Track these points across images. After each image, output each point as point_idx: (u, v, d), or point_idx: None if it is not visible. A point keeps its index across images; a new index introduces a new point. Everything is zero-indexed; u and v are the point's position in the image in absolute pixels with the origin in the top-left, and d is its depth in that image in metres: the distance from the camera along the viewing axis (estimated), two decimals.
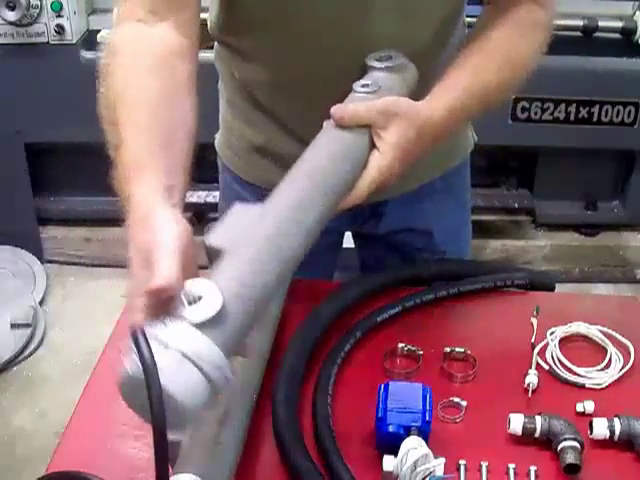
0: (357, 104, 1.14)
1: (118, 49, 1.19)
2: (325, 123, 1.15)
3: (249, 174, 1.58)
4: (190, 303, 0.80)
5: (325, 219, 1.03)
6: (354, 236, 1.74)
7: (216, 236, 0.96)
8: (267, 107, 1.46)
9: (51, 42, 3.13)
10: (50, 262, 3.61)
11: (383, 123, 1.13)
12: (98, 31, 3.21)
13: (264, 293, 0.89)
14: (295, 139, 1.26)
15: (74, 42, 3.14)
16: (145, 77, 1.13)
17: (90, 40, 3.22)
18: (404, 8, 1.28)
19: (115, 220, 3.43)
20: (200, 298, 0.81)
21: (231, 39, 1.43)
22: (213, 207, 3.45)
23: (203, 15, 1.29)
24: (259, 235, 0.93)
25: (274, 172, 1.46)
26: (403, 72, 1.26)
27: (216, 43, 1.50)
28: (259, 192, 1.56)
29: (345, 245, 1.76)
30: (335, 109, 1.12)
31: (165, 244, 0.87)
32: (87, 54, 3.16)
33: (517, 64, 1.32)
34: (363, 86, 1.20)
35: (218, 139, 1.64)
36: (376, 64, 1.25)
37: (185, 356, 0.76)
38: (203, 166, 3.82)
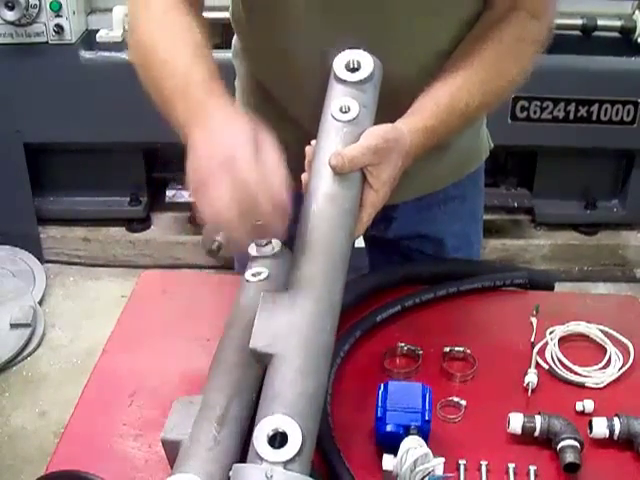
0: (352, 150, 1.14)
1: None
2: (313, 159, 1.17)
3: None
4: (273, 441, 0.91)
5: (345, 279, 1.10)
6: (364, 238, 1.73)
7: (258, 338, 1.02)
8: (278, 103, 1.46)
9: (50, 42, 3.13)
10: (49, 262, 3.62)
11: (376, 161, 1.16)
12: (97, 31, 3.22)
13: (322, 389, 1.01)
14: (306, 138, 1.26)
15: (73, 42, 3.15)
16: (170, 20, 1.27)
17: (89, 40, 3.22)
18: (425, 8, 1.28)
19: (114, 220, 3.43)
20: (284, 434, 0.92)
21: (245, 29, 1.44)
22: None
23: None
24: (301, 338, 1.01)
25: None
26: (373, 79, 1.23)
27: (234, 38, 1.50)
28: None
29: (356, 245, 1.74)
30: (334, 160, 1.12)
31: (268, 146, 1.08)
32: (86, 54, 3.17)
33: (502, 81, 1.33)
34: (342, 111, 1.19)
35: None
36: (347, 77, 1.22)
37: None
38: None
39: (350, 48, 1.23)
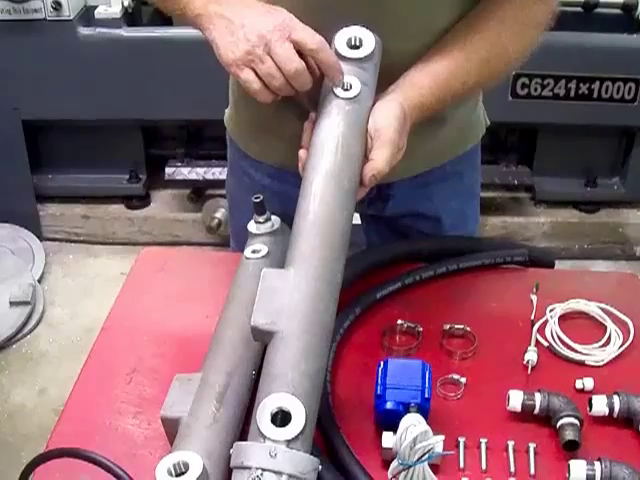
0: (383, 164, 1.17)
1: None
2: (313, 136, 1.18)
3: (255, 150, 1.57)
4: (275, 419, 0.92)
5: (345, 259, 1.11)
6: (361, 215, 1.73)
7: (259, 316, 1.01)
8: None
9: (48, 18, 3.10)
10: (49, 239, 3.61)
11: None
12: (95, 7, 3.19)
13: (323, 369, 1.01)
14: (304, 115, 1.26)
15: (71, 18, 3.12)
16: None
17: (87, 16, 3.20)
18: None
19: (113, 197, 3.43)
20: (288, 413, 0.92)
21: None
22: (211, 184, 3.45)
23: None
24: (303, 318, 1.00)
25: (279, 150, 1.45)
26: (374, 58, 1.24)
27: None
28: (264, 169, 1.55)
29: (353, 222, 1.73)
30: (370, 181, 1.17)
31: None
32: (84, 30, 3.15)
33: (500, 63, 1.33)
34: (344, 89, 1.19)
35: (227, 114, 1.63)
36: (349, 54, 1.22)
37: (292, 477, 0.88)
38: (201, 143, 3.80)
39: (353, 24, 1.23)
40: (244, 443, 0.91)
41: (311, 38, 1.17)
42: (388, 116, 1.19)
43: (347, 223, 1.13)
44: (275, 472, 0.87)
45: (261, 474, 0.87)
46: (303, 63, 1.16)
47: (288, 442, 0.89)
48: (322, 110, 1.20)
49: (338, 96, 1.18)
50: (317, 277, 1.04)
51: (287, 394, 0.93)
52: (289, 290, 1.02)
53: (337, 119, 1.17)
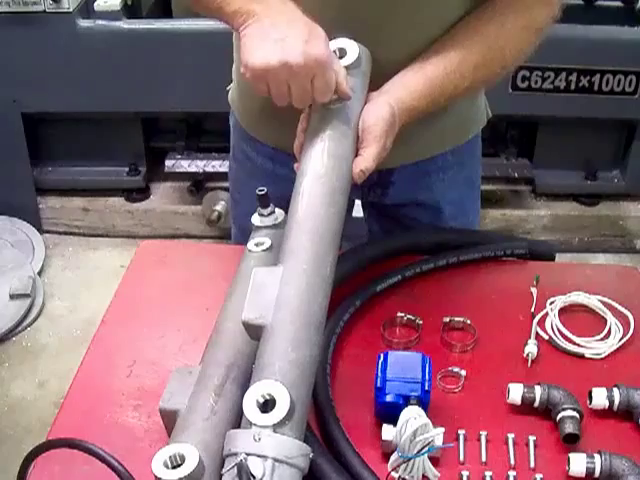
0: (370, 162, 1.21)
1: None
2: (304, 142, 1.22)
3: (257, 130, 1.58)
4: (265, 407, 0.92)
5: (337, 254, 1.13)
6: (363, 205, 1.73)
7: (249, 311, 1.03)
8: None
9: (47, 10, 3.09)
10: (48, 232, 3.61)
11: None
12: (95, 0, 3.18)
13: (314, 358, 1.01)
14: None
15: (71, 10, 3.10)
16: None
17: (87, 8, 3.19)
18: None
19: (113, 190, 3.43)
20: (272, 399, 0.92)
21: None
22: (211, 176, 3.44)
23: None
24: (291, 309, 1.01)
25: (280, 130, 1.46)
26: (360, 65, 1.28)
27: None
28: (266, 152, 1.56)
29: (355, 214, 1.74)
30: (358, 178, 1.20)
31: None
32: (84, 22, 3.13)
33: (496, 66, 1.35)
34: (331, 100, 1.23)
35: (231, 92, 1.62)
36: None
37: (277, 461, 0.88)
38: (201, 135, 3.79)
39: (335, 37, 1.26)
40: (233, 431, 0.93)
41: (345, 83, 1.20)
42: (377, 116, 1.23)
43: (336, 219, 1.15)
44: (259, 456, 0.87)
45: (245, 458, 0.87)
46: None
47: (274, 427, 0.90)
48: (312, 116, 1.25)
49: (323, 104, 1.23)
50: (304, 271, 1.05)
51: (272, 381, 0.94)
52: (277, 285, 1.04)
53: (324, 125, 1.22)
